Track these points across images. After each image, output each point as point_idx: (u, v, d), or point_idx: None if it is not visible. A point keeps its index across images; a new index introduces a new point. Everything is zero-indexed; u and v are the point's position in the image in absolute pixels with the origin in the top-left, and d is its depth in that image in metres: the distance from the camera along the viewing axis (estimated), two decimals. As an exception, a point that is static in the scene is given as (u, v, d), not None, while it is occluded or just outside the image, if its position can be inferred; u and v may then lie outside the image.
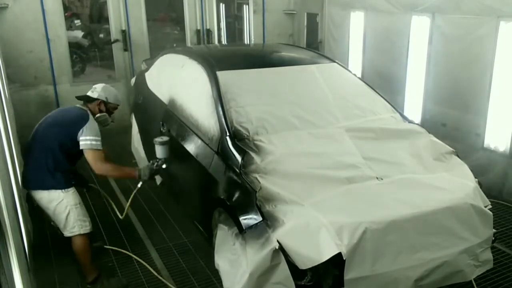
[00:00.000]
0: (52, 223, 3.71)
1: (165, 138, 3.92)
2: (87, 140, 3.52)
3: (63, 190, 3.55)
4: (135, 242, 4.39)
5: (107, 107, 3.85)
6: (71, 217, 3.57)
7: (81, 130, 3.51)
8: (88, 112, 3.69)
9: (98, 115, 3.77)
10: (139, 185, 3.91)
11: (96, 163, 3.56)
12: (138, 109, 5.62)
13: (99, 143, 3.57)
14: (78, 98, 3.85)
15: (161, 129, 4.57)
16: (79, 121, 3.56)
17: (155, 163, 3.84)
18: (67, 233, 3.63)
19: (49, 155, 3.52)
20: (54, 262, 4.08)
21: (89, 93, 3.82)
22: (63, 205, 3.54)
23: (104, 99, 3.81)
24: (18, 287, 2.55)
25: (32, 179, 3.57)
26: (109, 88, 3.91)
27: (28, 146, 3.65)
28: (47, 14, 6.98)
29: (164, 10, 12.10)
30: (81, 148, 3.53)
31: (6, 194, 2.82)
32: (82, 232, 3.62)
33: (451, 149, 3.83)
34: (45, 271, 3.94)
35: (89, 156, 3.55)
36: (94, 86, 3.88)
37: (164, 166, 3.89)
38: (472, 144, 5.39)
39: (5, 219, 2.53)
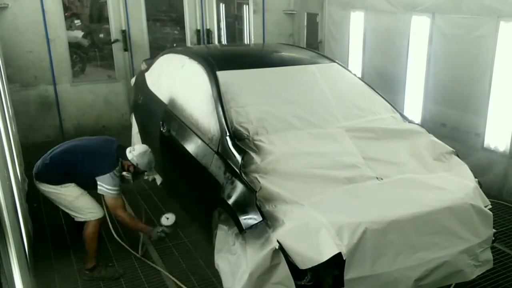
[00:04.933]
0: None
1: (171, 221, 3.87)
2: (104, 187, 3.71)
3: (61, 185, 3.75)
4: (135, 242, 4.39)
5: (135, 170, 3.93)
6: (79, 206, 3.79)
7: (101, 176, 3.69)
8: (120, 165, 3.83)
9: (124, 173, 3.87)
10: (152, 239, 4.03)
11: (116, 210, 3.78)
12: (138, 109, 5.62)
13: (116, 192, 3.74)
14: (119, 147, 3.94)
15: (161, 129, 4.57)
16: (104, 168, 3.71)
17: (163, 233, 3.87)
18: (77, 219, 3.84)
19: (64, 167, 3.78)
20: (54, 262, 4.08)
21: (127, 150, 3.92)
22: (66, 196, 3.77)
23: (135, 164, 3.89)
24: (18, 287, 2.55)
25: (40, 174, 3.81)
26: (147, 155, 3.95)
27: (57, 147, 3.91)
28: (47, 14, 6.97)
29: (164, 10, 12.10)
30: (98, 192, 3.75)
31: (6, 194, 2.82)
32: (92, 219, 3.79)
33: (451, 149, 3.83)
34: (45, 271, 3.94)
35: (108, 202, 3.78)
36: (135, 147, 4.01)
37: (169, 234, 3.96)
38: (472, 144, 5.39)
39: (5, 219, 2.53)
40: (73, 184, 3.78)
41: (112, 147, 3.89)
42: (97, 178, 3.69)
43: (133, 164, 3.88)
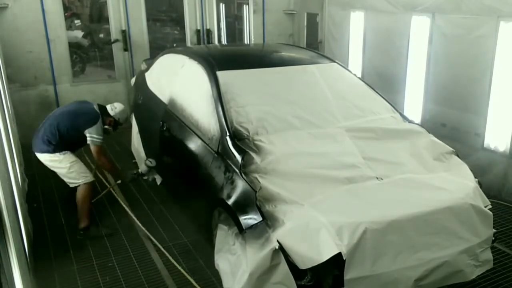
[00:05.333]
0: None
1: (153, 163, 4.68)
2: (93, 137, 4.43)
3: (60, 153, 4.39)
4: (135, 242, 4.39)
5: (116, 123, 4.77)
6: (73, 171, 4.43)
7: (89, 129, 4.41)
8: (100, 117, 4.55)
9: (106, 126, 4.67)
10: (117, 182, 4.91)
11: (98, 155, 4.53)
12: (138, 109, 5.63)
13: (101, 140, 4.50)
14: (99, 106, 4.67)
15: (161, 129, 4.57)
16: (90, 121, 4.45)
17: (136, 174, 4.75)
18: (71, 185, 4.49)
19: (55, 133, 4.37)
20: (54, 262, 4.08)
21: (108, 108, 4.72)
22: (63, 163, 4.40)
23: (117, 119, 4.75)
24: (18, 287, 2.55)
25: (37, 145, 4.43)
26: (125, 110, 4.88)
27: (46, 119, 4.56)
28: (47, 14, 6.98)
29: (164, 10, 12.10)
30: (88, 142, 4.45)
31: (6, 194, 2.83)
32: (85, 181, 4.44)
33: (451, 149, 3.83)
34: (45, 271, 3.94)
35: (93, 149, 4.49)
36: (114, 105, 4.79)
37: (141, 176, 4.79)
38: (472, 144, 5.39)
39: (5, 219, 2.53)
40: (69, 152, 4.41)
41: (91, 106, 4.66)
42: (87, 131, 4.39)
43: (114, 119, 4.70)
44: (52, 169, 4.49)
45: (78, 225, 4.43)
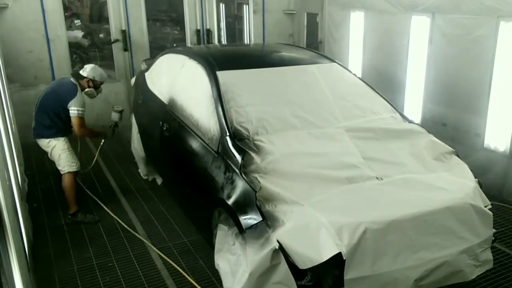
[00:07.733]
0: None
1: (120, 108, 5.36)
2: (74, 109, 4.61)
3: (54, 138, 4.62)
4: (135, 242, 4.39)
5: (94, 83, 4.88)
6: (62, 158, 4.66)
7: (70, 102, 4.58)
8: (78, 87, 4.71)
9: (86, 89, 4.83)
10: (102, 142, 5.24)
11: (78, 127, 4.68)
12: (138, 109, 5.62)
13: (82, 112, 4.67)
14: (72, 74, 4.94)
15: (161, 129, 4.57)
16: (70, 95, 4.61)
17: (112, 125, 5.31)
18: (60, 171, 4.71)
19: (45, 116, 4.61)
20: (54, 262, 4.08)
21: (80, 71, 4.86)
22: (55, 149, 4.65)
23: (92, 78, 4.83)
24: (18, 287, 2.55)
25: (35, 131, 4.69)
26: (96, 68, 4.94)
27: (36, 107, 4.75)
28: (47, 14, 6.98)
29: (164, 10, 12.10)
30: (70, 115, 4.61)
31: (6, 194, 2.82)
32: (70, 170, 4.68)
33: (451, 149, 3.83)
34: (45, 271, 3.94)
35: (74, 121, 4.65)
36: (85, 66, 4.92)
37: (117, 127, 5.39)
38: (472, 144, 5.38)
39: (5, 219, 2.53)
40: (62, 138, 4.65)
41: (66, 79, 4.86)
42: (71, 103, 4.56)
43: (90, 79, 4.82)
44: (47, 153, 4.74)
45: (69, 210, 4.74)
